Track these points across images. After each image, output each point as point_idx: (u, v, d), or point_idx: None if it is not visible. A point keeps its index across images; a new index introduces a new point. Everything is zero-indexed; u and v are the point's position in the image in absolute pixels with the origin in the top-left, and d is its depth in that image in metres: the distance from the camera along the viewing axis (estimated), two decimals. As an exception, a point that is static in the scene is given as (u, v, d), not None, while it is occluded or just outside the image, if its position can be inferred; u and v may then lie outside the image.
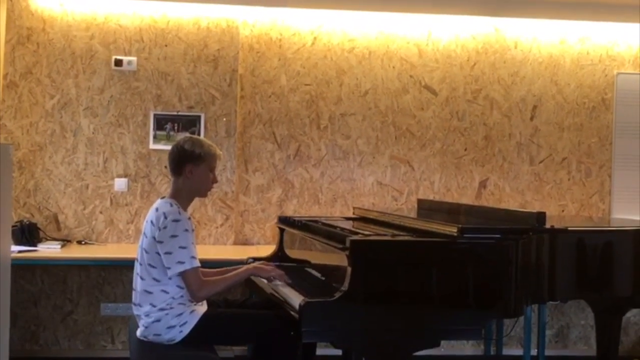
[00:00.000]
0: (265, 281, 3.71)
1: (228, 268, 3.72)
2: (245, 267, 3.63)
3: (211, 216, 5.18)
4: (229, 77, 5.19)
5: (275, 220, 4.63)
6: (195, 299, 3.35)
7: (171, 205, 3.35)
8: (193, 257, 3.29)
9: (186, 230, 3.29)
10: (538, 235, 3.35)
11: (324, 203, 5.34)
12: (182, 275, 3.29)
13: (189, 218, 3.36)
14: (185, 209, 3.39)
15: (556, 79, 5.51)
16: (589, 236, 3.60)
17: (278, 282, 3.60)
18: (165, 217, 3.29)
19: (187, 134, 4.93)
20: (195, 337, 3.32)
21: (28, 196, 5.06)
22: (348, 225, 4.04)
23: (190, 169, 3.41)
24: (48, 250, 4.67)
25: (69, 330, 5.11)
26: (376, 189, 5.39)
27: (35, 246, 4.69)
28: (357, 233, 3.43)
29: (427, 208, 4.66)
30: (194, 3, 5.13)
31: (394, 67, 5.39)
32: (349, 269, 3.06)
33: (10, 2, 5.04)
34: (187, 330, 3.31)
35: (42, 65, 5.08)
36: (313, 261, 3.79)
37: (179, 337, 3.31)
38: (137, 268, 3.43)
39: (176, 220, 3.29)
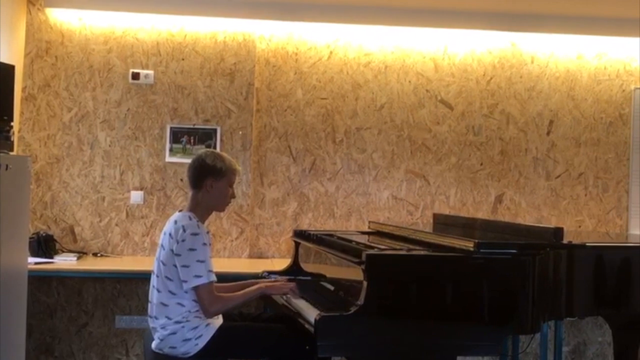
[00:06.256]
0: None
1: (242, 282, 3.72)
2: (257, 285, 3.62)
3: (226, 229, 5.18)
4: (245, 91, 5.21)
5: (291, 234, 4.63)
6: (206, 314, 3.34)
7: (190, 218, 3.36)
8: (210, 271, 3.29)
9: (204, 244, 3.30)
10: (555, 250, 3.33)
11: (339, 217, 5.33)
12: (197, 288, 3.29)
13: (207, 232, 3.37)
14: (202, 223, 3.40)
15: (573, 94, 5.49)
16: (607, 252, 3.58)
17: (291, 297, 3.60)
18: (184, 230, 3.30)
19: (204, 147, 4.96)
20: (210, 350, 3.32)
21: (45, 208, 5.09)
22: (363, 239, 4.03)
23: (211, 183, 3.42)
24: (64, 262, 4.69)
25: (84, 342, 5.12)
26: (391, 203, 5.38)
27: (52, 258, 4.71)
28: (372, 247, 3.43)
29: (442, 223, 4.64)
30: (211, 17, 5.16)
31: (409, 82, 5.39)
32: (365, 283, 3.05)
33: (29, 16, 5.09)
34: (202, 343, 3.31)
35: (60, 78, 5.12)
36: (328, 275, 3.78)
37: (194, 350, 3.31)
38: (154, 280, 3.44)
39: (195, 234, 3.29)
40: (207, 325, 3.35)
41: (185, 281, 3.28)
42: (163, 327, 3.34)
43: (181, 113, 5.17)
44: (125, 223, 5.14)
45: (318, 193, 5.33)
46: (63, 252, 4.93)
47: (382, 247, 3.51)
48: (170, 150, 5.15)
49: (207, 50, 5.20)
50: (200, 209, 3.44)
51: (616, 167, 5.52)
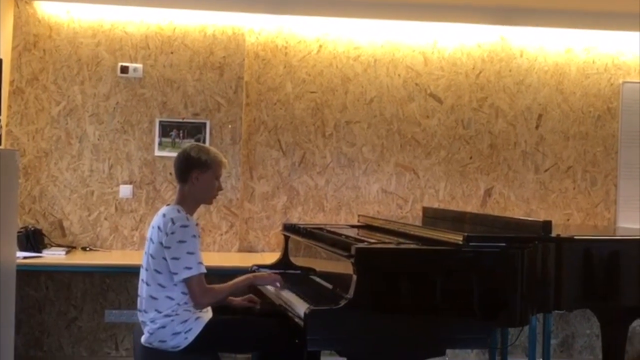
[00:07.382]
0: (269, 288, 3.72)
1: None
2: (245, 276, 3.65)
3: (216, 223, 5.18)
4: (234, 85, 5.19)
5: (280, 228, 4.63)
6: (197, 305, 3.35)
7: (178, 211, 3.36)
8: (200, 263, 3.30)
9: (194, 236, 3.30)
10: (544, 244, 3.34)
11: (328, 210, 5.34)
12: (187, 280, 3.29)
13: (197, 224, 3.37)
14: (191, 216, 3.40)
15: (562, 88, 5.51)
16: (596, 245, 3.60)
17: (273, 287, 3.63)
18: (173, 223, 3.30)
19: (193, 141, 4.95)
20: (200, 344, 3.31)
21: (33, 202, 5.07)
22: (353, 233, 4.03)
23: (197, 176, 3.42)
24: (53, 256, 4.67)
25: (73, 337, 5.10)
26: (381, 197, 5.38)
27: (40, 252, 4.69)
28: (362, 241, 3.42)
29: (432, 216, 4.65)
30: (200, 10, 5.14)
31: (399, 75, 5.39)
32: (354, 277, 3.05)
33: (17, 9, 5.06)
34: (192, 337, 3.31)
35: (49, 71, 5.09)
36: (318, 269, 3.79)
37: (183, 344, 3.31)
38: (143, 274, 3.43)
39: (184, 226, 3.30)
40: (197, 318, 3.34)
41: (176, 273, 3.28)
42: (152, 321, 3.34)
43: (170, 107, 5.15)
44: (115, 217, 5.13)
45: (308, 187, 5.33)
46: (52, 246, 4.91)
47: (372, 240, 3.50)
48: (160, 144, 5.14)
49: (196, 43, 5.18)
50: (188, 202, 3.44)
51: (604, 160, 5.54)
